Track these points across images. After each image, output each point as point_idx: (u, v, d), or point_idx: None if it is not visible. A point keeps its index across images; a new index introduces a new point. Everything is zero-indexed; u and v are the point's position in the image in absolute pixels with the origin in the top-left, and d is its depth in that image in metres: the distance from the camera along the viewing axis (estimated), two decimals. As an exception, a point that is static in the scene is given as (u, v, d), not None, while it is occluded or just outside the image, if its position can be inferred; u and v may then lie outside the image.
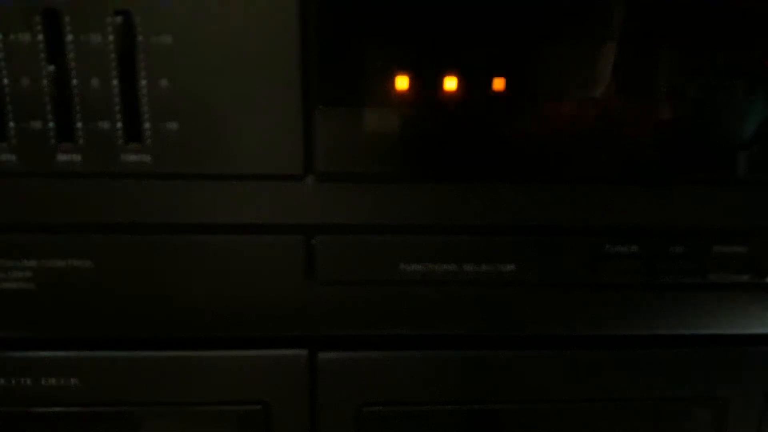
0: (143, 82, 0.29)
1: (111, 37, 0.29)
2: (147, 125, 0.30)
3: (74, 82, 0.29)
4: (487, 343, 0.36)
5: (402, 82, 0.30)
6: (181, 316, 0.34)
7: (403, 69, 0.30)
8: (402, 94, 0.30)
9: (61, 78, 0.29)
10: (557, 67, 0.30)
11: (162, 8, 0.29)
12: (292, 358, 0.35)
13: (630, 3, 0.30)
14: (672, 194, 0.33)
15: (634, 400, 0.38)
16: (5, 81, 0.29)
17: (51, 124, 0.30)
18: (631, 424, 0.38)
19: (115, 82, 0.29)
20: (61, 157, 0.30)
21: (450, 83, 0.30)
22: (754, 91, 0.31)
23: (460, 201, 0.32)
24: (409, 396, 0.37)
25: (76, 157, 0.30)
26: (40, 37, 0.29)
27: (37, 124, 0.30)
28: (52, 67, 0.29)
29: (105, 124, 0.30)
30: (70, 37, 0.29)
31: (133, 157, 0.30)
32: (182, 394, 0.35)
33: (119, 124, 0.30)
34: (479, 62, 0.30)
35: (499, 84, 0.30)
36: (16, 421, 0.36)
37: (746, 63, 0.31)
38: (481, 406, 0.37)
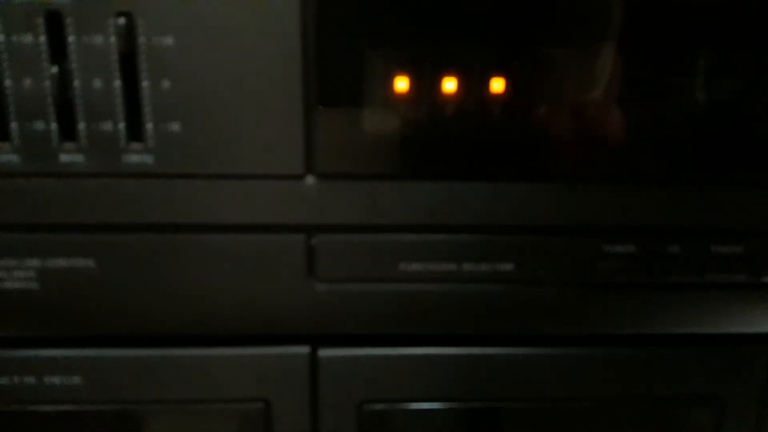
0: (145, 83, 0.29)
1: (113, 39, 0.29)
2: (149, 126, 0.30)
3: (76, 83, 0.29)
4: (487, 341, 0.37)
5: (402, 83, 0.30)
6: (182, 314, 0.34)
7: (402, 70, 0.30)
8: (402, 95, 0.30)
9: (64, 79, 0.29)
10: (555, 68, 0.30)
11: (164, 9, 0.29)
12: (293, 355, 0.36)
13: (624, 4, 0.30)
14: (670, 194, 0.33)
15: (631, 399, 0.38)
16: (8, 82, 0.29)
17: (53, 125, 0.30)
18: (628, 424, 0.39)
19: (117, 83, 0.29)
20: (64, 158, 0.30)
21: (449, 84, 0.30)
22: (752, 90, 0.31)
23: (459, 201, 0.32)
24: (409, 394, 0.37)
25: (79, 158, 0.30)
26: (43, 38, 0.29)
27: (39, 125, 0.30)
28: (54, 68, 0.29)
29: (107, 125, 0.30)
30: (72, 39, 0.29)
31: (135, 158, 0.31)
32: (184, 393, 0.36)
33: (121, 125, 0.30)
34: (478, 63, 0.30)
35: (497, 85, 0.30)
36: (18, 419, 0.36)
37: (743, 62, 0.31)
38: (481, 405, 0.38)
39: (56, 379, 0.35)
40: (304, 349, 0.36)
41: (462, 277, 0.34)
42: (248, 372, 0.36)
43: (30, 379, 0.35)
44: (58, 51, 0.29)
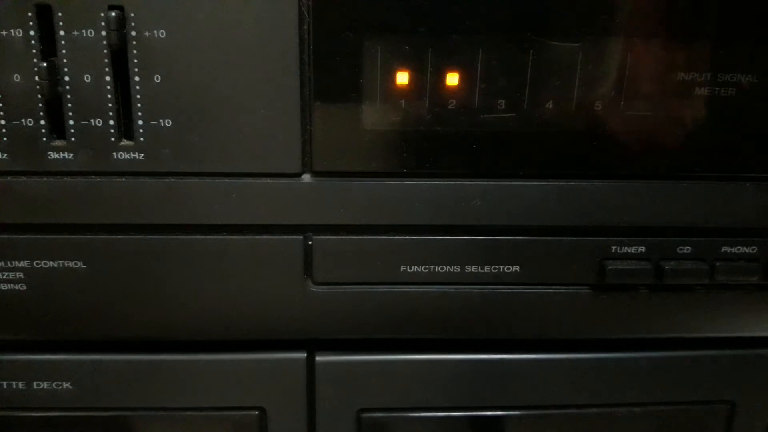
0: (136, 79, 0.29)
1: (104, 33, 0.28)
2: (140, 122, 0.29)
3: (66, 78, 0.29)
4: (491, 347, 0.36)
5: (400, 79, 0.30)
6: (175, 318, 0.33)
7: (402, 65, 0.29)
8: (401, 91, 0.30)
9: (53, 74, 0.29)
10: (556, 65, 0.30)
11: (156, 3, 0.28)
12: (290, 361, 0.35)
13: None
14: (679, 194, 0.32)
15: (640, 403, 0.37)
16: (-4, 78, 0.29)
17: (43, 122, 0.29)
18: (637, 428, 0.38)
19: (107, 78, 0.29)
20: (53, 156, 0.30)
21: (451, 79, 0.30)
22: (763, 87, 0.30)
23: (462, 200, 0.32)
24: (410, 401, 0.36)
25: (68, 156, 0.30)
26: (33, 33, 0.28)
27: (28, 122, 0.29)
28: (44, 64, 0.28)
29: (97, 122, 0.29)
30: (62, 33, 0.28)
31: (125, 156, 0.30)
32: (176, 400, 0.35)
33: (112, 122, 0.29)
34: (479, 59, 0.29)
35: (501, 80, 0.30)
36: (7, 425, 0.35)
37: (761, 56, 0.30)
38: (484, 413, 0.37)
39: (46, 385, 0.34)
40: (300, 355, 0.35)
41: (465, 280, 0.33)
42: (243, 378, 0.35)
43: (19, 385, 0.34)
44: (47, 46, 0.28)
